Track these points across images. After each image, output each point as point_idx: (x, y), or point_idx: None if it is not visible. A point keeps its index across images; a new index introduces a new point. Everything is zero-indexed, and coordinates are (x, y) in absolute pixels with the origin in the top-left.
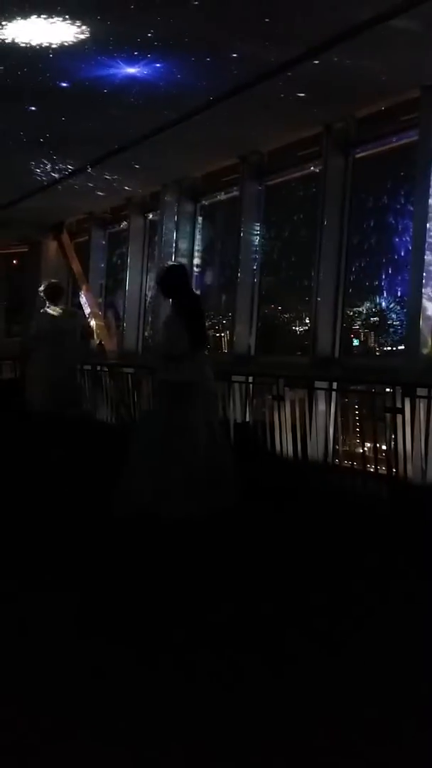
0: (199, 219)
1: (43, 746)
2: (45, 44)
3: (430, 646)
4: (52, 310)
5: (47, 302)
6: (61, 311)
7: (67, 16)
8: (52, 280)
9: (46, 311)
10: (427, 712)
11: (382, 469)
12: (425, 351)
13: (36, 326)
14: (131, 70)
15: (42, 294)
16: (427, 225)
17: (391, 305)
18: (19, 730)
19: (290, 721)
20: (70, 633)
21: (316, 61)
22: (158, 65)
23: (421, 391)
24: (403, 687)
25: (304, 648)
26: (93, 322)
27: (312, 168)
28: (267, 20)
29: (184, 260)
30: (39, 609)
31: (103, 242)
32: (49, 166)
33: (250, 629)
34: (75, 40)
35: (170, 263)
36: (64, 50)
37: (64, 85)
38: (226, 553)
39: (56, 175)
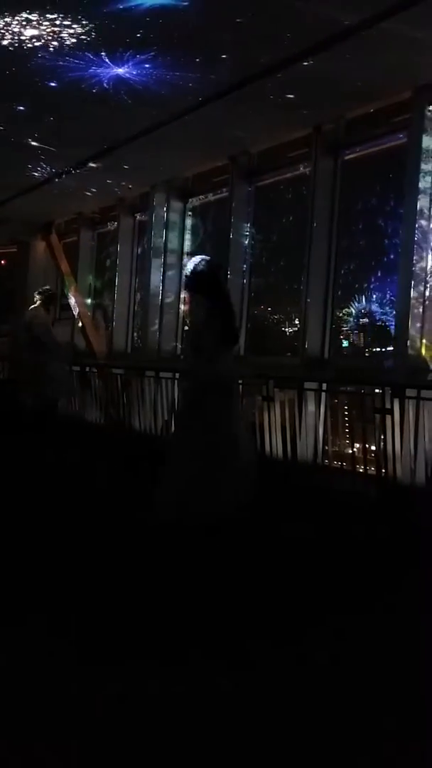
0: (189, 219)
1: None
2: (34, 44)
3: (423, 643)
4: (45, 314)
5: (40, 307)
6: (51, 316)
7: (56, 16)
8: (45, 287)
9: (38, 316)
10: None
11: (372, 470)
12: (414, 352)
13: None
14: (121, 71)
15: (36, 300)
16: (416, 227)
17: (381, 306)
18: None
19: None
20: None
21: (306, 63)
22: (148, 66)
23: (410, 392)
24: (398, 682)
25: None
26: (81, 323)
27: (301, 169)
28: (257, 22)
29: (172, 261)
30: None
31: (92, 242)
32: (37, 167)
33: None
34: (64, 40)
35: (200, 257)
36: (53, 50)
37: (53, 84)
38: (220, 555)
39: (45, 176)
